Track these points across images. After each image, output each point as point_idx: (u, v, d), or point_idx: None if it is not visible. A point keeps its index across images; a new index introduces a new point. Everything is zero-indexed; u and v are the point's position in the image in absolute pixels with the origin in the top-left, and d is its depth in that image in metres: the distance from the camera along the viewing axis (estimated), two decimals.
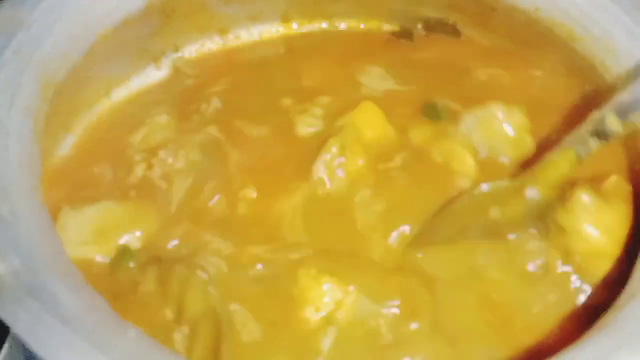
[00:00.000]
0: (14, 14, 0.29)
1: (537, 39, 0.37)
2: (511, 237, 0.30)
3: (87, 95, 0.36)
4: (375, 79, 0.38)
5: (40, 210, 0.25)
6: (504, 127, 0.33)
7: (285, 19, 0.43)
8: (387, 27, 0.43)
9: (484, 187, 0.31)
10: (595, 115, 0.28)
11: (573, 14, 0.34)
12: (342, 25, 0.43)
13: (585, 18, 0.33)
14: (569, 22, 0.34)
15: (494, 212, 0.30)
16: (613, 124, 0.27)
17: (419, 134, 0.34)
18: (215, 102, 0.38)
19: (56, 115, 0.30)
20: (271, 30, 0.43)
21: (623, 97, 0.27)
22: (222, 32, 0.42)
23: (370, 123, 0.35)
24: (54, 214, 0.27)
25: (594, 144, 0.27)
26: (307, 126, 0.36)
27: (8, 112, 0.27)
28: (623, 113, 0.27)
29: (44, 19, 0.30)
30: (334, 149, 0.33)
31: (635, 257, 0.28)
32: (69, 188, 0.31)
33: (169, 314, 0.27)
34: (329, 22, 0.43)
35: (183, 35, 0.41)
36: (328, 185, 0.33)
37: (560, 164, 0.29)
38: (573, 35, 0.34)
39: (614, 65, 0.33)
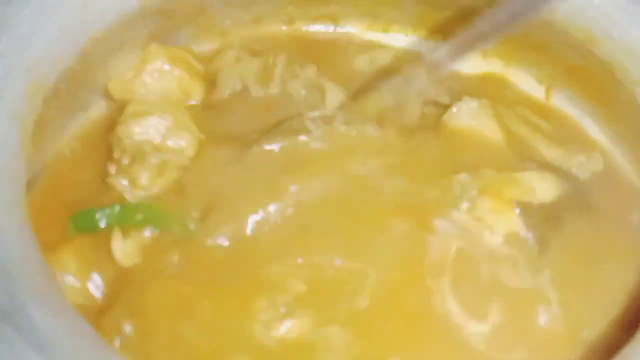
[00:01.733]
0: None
1: (552, 42, 0.35)
2: None
3: (82, 99, 0.35)
4: None
5: (23, 227, 0.23)
6: None
7: (290, 21, 0.42)
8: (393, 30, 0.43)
9: None
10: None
11: (590, 15, 0.32)
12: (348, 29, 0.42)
13: (604, 18, 0.32)
14: (587, 24, 0.32)
15: None
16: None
17: None
18: None
19: (46, 122, 0.29)
20: (275, 32, 0.42)
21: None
22: (223, 35, 0.41)
23: None
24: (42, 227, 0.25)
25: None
26: None
27: None
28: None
29: (32, 19, 0.29)
30: None
31: None
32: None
33: None
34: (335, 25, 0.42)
35: (182, 37, 0.40)
36: None
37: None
38: (591, 37, 0.33)
39: (635, 69, 0.31)
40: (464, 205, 0.32)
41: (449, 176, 0.32)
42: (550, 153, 0.34)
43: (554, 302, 0.30)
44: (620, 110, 0.33)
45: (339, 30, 0.42)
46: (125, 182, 0.31)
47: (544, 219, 0.32)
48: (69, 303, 0.22)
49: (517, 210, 0.32)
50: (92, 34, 0.31)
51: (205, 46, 0.41)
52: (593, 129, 0.37)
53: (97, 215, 0.29)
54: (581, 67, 0.35)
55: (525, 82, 0.39)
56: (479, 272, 0.30)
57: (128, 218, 0.29)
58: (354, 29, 0.42)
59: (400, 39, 0.42)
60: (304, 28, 0.42)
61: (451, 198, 0.32)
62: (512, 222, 0.32)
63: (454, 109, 0.34)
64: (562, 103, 0.38)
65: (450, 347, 0.28)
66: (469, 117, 0.34)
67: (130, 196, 0.30)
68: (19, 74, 0.27)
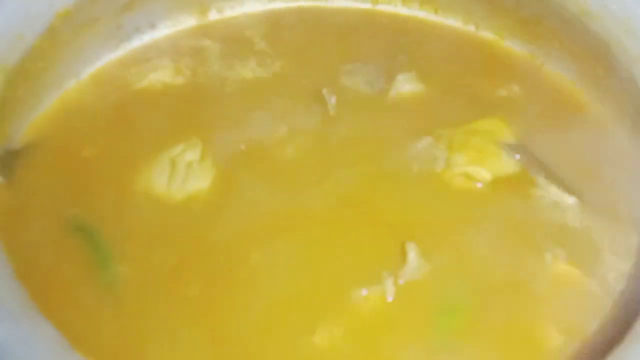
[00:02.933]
0: None
1: (547, 15, 0.34)
2: None
3: (54, 81, 0.33)
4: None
5: None
6: None
7: None
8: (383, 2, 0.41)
9: None
10: None
11: None
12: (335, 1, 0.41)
13: None
14: None
15: None
16: None
17: None
18: None
19: (12, 104, 0.27)
20: (257, 6, 0.40)
21: None
22: (202, 7, 0.39)
23: None
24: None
25: None
26: None
27: None
28: None
29: None
30: None
31: None
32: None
33: None
34: None
35: (159, 11, 0.38)
36: None
37: None
38: (588, 11, 0.31)
39: (633, 46, 0.30)
40: (440, 166, 0.32)
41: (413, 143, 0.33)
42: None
43: None
44: (617, 88, 0.32)
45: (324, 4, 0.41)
46: None
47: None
48: (32, 305, 0.20)
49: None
50: (58, 9, 0.29)
51: (184, 21, 0.39)
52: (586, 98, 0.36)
53: None
54: (577, 42, 0.33)
55: (518, 56, 0.38)
56: None
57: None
58: None
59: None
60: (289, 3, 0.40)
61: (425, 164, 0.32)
62: (498, 162, 0.32)
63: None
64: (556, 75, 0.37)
65: None
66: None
67: None
68: None
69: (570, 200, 0.31)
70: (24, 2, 0.27)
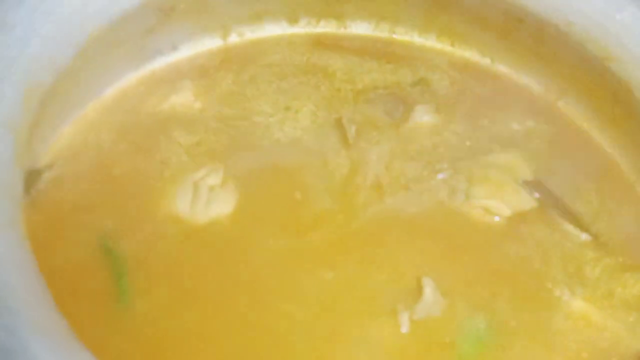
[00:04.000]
0: None
1: (566, 54, 0.35)
2: None
3: (77, 100, 0.33)
4: None
5: (19, 247, 0.22)
6: None
7: (293, 19, 0.40)
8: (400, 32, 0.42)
9: None
10: None
11: (611, 30, 0.31)
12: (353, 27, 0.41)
13: (623, 35, 0.31)
14: (606, 40, 0.32)
15: None
16: None
17: None
18: None
19: (41, 125, 0.27)
20: (277, 29, 0.41)
21: None
22: (224, 30, 0.40)
23: None
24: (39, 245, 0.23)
25: None
26: None
27: None
28: None
29: (29, 18, 0.27)
30: None
31: None
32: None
33: None
34: (338, 23, 0.41)
35: (181, 33, 0.38)
36: None
37: None
38: (609, 55, 0.32)
39: None
40: (460, 199, 0.32)
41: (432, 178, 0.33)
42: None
43: None
44: (635, 129, 0.32)
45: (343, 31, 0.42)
46: None
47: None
48: (73, 336, 0.20)
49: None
50: (92, 31, 0.29)
51: (205, 44, 0.40)
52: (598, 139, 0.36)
53: None
54: (595, 81, 0.34)
55: (533, 91, 0.39)
56: None
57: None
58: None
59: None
60: (308, 28, 0.41)
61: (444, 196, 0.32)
62: (516, 197, 0.32)
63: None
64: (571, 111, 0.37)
65: None
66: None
67: None
68: (15, 78, 0.25)
69: (585, 237, 0.32)
70: (59, 25, 0.28)
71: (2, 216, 0.22)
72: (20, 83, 0.25)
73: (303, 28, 0.41)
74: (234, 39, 0.40)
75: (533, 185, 0.33)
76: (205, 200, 0.32)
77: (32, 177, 0.31)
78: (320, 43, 0.41)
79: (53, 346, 0.19)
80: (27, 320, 0.20)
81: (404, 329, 0.28)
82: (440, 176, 0.34)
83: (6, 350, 0.19)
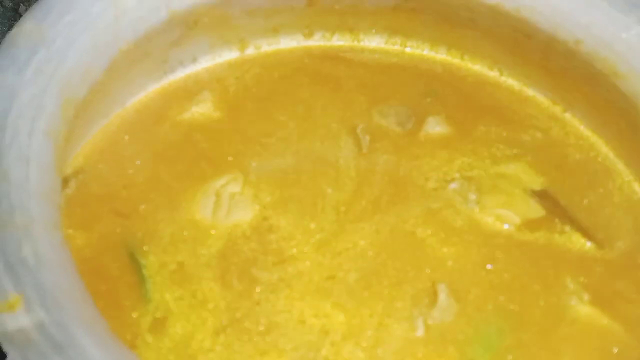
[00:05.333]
0: (36, 28, 0.27)
1: (574, 69, 0.36)
2: None
3: (103, 110, 0.34)
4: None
5: (62, 250, 0.23)
6: None
7: (308, 32, 0.42)
8: (412, 45, 0.43)
9: None
10: None
11: (618, 49, 0.32)
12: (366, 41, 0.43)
13: (631, 53, 0.32)
14: (613, 57, 0.33)
15: None
16: None
17: None
18: None
19: (73, 135, 0.28)
20: (292, 43, 0.42)
21: None
22: (242, 43, 0.41)
23: None
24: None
25: None
26: None
27: (29, 138, 0.25)
28: None
29: (66, 33, 0.28)
30: None
31: None
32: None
33: None
34: (351, 37, 0.42)
35: (202, 46, 0.40)
36: None
37: None
38: (616, 72, 0.33)
39: None
40: (471, 208, 0.33)
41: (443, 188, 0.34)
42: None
43: None
44: None
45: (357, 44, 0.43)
46: None
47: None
48: (114, 335, 0.22)
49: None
50: (122, 46, 0.31)
51: (223, 56, 0.41)
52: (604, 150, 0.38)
53: None
54: (602, 96, 0.35)
55: (540, 103, 0.40)
56: None
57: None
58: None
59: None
60: (322, 42, 0.42)
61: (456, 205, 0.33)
62: (525, 206, 0.33)
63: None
64: (578, 123, 0.39)
65: None
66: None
67: None
68: (54, 90, 0.26)
69: (590, 245, 0.33)
70: (94, 40, 0.29)
71: (47, 221, 0.23)
72: (59, 95, 0.27)
73: (318, 41, 0.42)
74: (250, 51, 0.41)
75: (541, 194, 0.35)
76: (227, 206, 0.33)
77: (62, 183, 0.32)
78: (334, 56, 0.42)
79: (99, 342, 0.21)
80: (75, 317, 0.21)
81: (419, 332, 0.29)
82: (452, 186, 0.35)
83: (58, 345, 0.20)
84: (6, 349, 0.20)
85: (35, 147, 0.25)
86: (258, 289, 0.30)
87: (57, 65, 0.27)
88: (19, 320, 0.21)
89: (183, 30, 0.36)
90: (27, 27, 0.28)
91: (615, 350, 0.29)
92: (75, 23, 0.29)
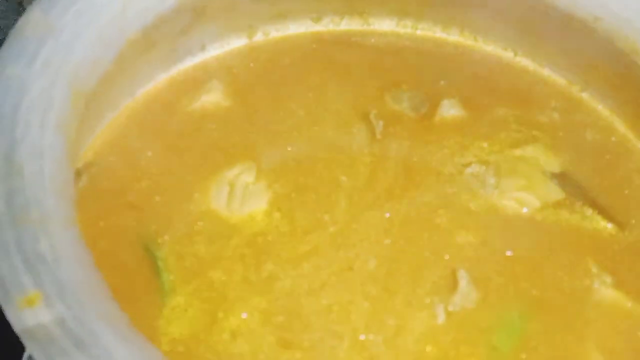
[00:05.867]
0: (43, 18, 0.27)
1: (591, 48, 0.35)
2: None
3: (112, 101, 0.34)
4: None
5: (78, 244, 0.23)
6: None
7: (317, 17, 0.41)
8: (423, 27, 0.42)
9: None
10: None
11: (638, 25, 0.32)
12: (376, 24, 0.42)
13: None
14: (634, 35, 0.32)
15: None
16: None
17: None
18: None
19: (85, 127, 0.28)
20: (301, 28, 0.42)
21: None
22: (250, 30, 0.40)
23: None
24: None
25: None
26: None
27: (41, 132, 0.24)
28: None
29: (74, 24, 0.28)
30: None
31: None
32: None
33: None
34: (361, 20, 0.42)
35: (210, 33, 0.39)
36: None
37: None
38: (637, 49, 0.32)
39: None
40: (489, 192, 0.33)
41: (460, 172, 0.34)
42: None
43: None
44: None
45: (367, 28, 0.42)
46: None
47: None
48: (135, 329, 0.21)
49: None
50: (129, 35, 0.30)
51: (232, 43, 0.40)
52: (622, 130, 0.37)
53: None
54: (621, 75, 0.34)
55: (556, 83, 0.39)
56: None
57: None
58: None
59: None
60: (331, 26, 0.42)
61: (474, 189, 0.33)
62: (545, 189, 0.33)
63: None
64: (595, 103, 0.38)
65: None
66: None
67: None
68: (64, 82, 0.26)
69: (612, 227, 0.33)
70: (101, 30, 0.28)
71: (63, 216, 0.23)
72: (68, 86, 0.26)
73: (326, 26, 0.42)
74: (259, 37, 0.41)
75: (560, 177, 0.34)
76: (241, 196, 0.33)
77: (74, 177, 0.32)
78: (344, 40, 0.42)
79: (121, 337, 0.20)
80: (95, 313, 0.21)
81: (440, 320, 0.29)
82: (469, 170, 0.34)
83: (79, 340, 0.20)
84: (27, 345, 0.20)
85: (48, 141, 0.24)
86: (276, 283, 0.30)
87: (65, 56, 0.27)
88: (39, 316, 0.21)
89: (191, 18, 0.36)
90: (34, 17, 0.27)
91: (639, 333, 0.28)
92: (82, 13, 0.28)
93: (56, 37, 0.27)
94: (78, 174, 0.33)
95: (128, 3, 0.30)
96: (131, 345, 0.20)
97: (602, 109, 0.38)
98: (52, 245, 0.22)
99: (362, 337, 0.28)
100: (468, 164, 0.34)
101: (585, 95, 0.38)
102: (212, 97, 0.38)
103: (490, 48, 0.41)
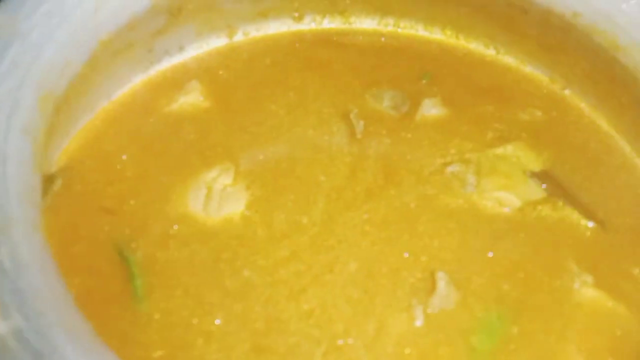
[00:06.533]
0: (9, 20, 0.26)
1: (572, 44, 0.35)
2: None
3: (87, 104, 0.33)
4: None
5: (42, 252, 0.22)
6: None
7: (298, 16, 0.41)
8: (405, 26, 0.42)
9: None
10: None
11: (618, 21, 0.31)
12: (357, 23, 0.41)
13: (632, 25, 0.31)
14: (613, 30, 0.32)
15: None
16: None
17: None
18: None
19: (56, 130, 0.27)
20: (282, 27, 0.41)
21: None
22: (230, 29, 0.40)
23: None
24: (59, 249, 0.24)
25: None
26: None
27: (5, 136, 0.24)
28: None
29: (43, 25, 0.27)
30: None
31: None
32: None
33: None
34: (342, 19, 0.41)
35: (188, 33, 0.38)
36: None
37: None
38: (617, 44, 0.32)
39: None
40: (470, 191, 0.33)
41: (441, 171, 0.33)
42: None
43: None
44: None
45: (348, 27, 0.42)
46: None
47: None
48: (99, 338, 0.21)
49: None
50: (102, 37, 0.30)
51: (211, 43, 0.40)
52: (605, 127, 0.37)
53: None
54: (602, 71, 0.34)
55: (539, 81, 0.39)
56: None
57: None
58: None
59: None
60: (313, 25, 0.41)
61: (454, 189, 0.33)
62: (525, 188, 0.33)
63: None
64: (577, 100, 0.38)
65: None
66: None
67: None
68: (31, 84, 0.25)
69: (592, 225, 0.32)
70: (72, 32, 0.28)
71: (26, 222, 0.22)
72: (36, 89, 0.26)
73: (308, 25, 0.41)
74: (239, 37, 0.40)
75: (541, 175, 0.34)
76: (218, 199, 0.32)
77: (47, 182, 0.31)
78: (326, 40, 0.41)
79: (81, 348, 0.20)
80: (55, 323, 0.20)
81: (419, 322, 0.28)
82: (449, 169, 0.34)
83: (37, 352, 0.20)
84: None
85: (13, 145, 0.24)
86: (254, 289, 0.29)
87: (33, 59, 0.26)
88: None
89: (167, 18, 0.35)
90: (0, 19, 0.27)
91: (619, 332, 0.28)
92: (51, 14, 0.28)
93: (23, 39, 0.26)
94: (52, 178, 0.32)
95: (100, 4, 0.29)
96: (92, 356, 0.20)
97: (585, 107, 0.37)
98: (13, 253, 0.21)
99: (340, 342, 0.28)
100: (449, 163, 0.34)
101: (567, 93, 0.38)
102: (191, 98, 0.37)
103: (472, 46, 0.41)
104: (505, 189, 0.33)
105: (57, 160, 0.33)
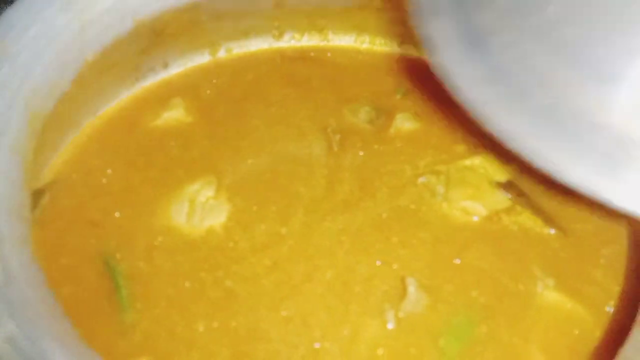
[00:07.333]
0: None
1: None
2: None
3: (74, 120, 0.34)
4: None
5: (31, 265, 0.23)
6: None
7: (278, 34, 0.42)
8: (380, 43, 0.44)
9: None
10: None
11: None
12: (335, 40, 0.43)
13: None
14: None
15: None
16: None
17: None
18: None
19: (44, 147, 0.29)
20: (263, 44, 0.43)
21: None
22: (213, 47, 0.41)
23: None
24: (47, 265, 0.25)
25: None
26: None
27: None
28: None
29: (31, 47, 0.29)
30: None
31: None
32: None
33: None
34: (321, 37, 0.43)
35: (173, 51, 0.40)
36: None
37: None
38: None
39: None
40: (439, 201, 0.34)
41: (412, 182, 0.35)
42: None
43: None
44: None
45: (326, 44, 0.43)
46: None
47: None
48: (86, 345, 0.22)
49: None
50: (88, 57, 0.31)
51: (195, 60, 0.41)
52: None
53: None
54: None
55: None
56: None
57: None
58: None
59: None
60: (293, 42, 0.43)
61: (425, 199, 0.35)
62: (492, 198, 0.35)
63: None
64: None
65: None
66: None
67: None
68: (20, 104, 0.27)
69: (554, 232, 0.34)
70: (59, 53, 0.29)
71: (16, 236, 0.23)
72: (25, 109, 0.27)
73: (288, 42, 0.43)
74: (222, 54, 0.42)
75: (506, 186, 0.36)
76: (201, 211, 0.34)
77: (35, 197, 0.32)
78: (305, 56, 0.43)
79: (70, 354, 0.21)
80: (47, 331, 0.21)
81: (390, 325, 0.30)
82: (421, 180, 0.36)
83: (29, 358, 0.21)
84: None
85: (3, 162, 0.25)
86: (234, 299, 0.30)
87: (22, 80, 0.28)
88: None
89: (151, 38, 0.37)
90: None
91: (577, 331, 0.30)
92: (39, 37, 0.29)
93: (12, 62, 0.28)
94: (40, 193, 0.33)
95: (86, 26, 0.31)
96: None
97: None
98: (4, 266, 0.23)
99: (317, 345, 0.30)
100: (420, 174, 0.36)
101: None
102: (174, 114, 0.39)
103: None
104: (473, 198, 0.34)
105: (44, 175, 0.34)
